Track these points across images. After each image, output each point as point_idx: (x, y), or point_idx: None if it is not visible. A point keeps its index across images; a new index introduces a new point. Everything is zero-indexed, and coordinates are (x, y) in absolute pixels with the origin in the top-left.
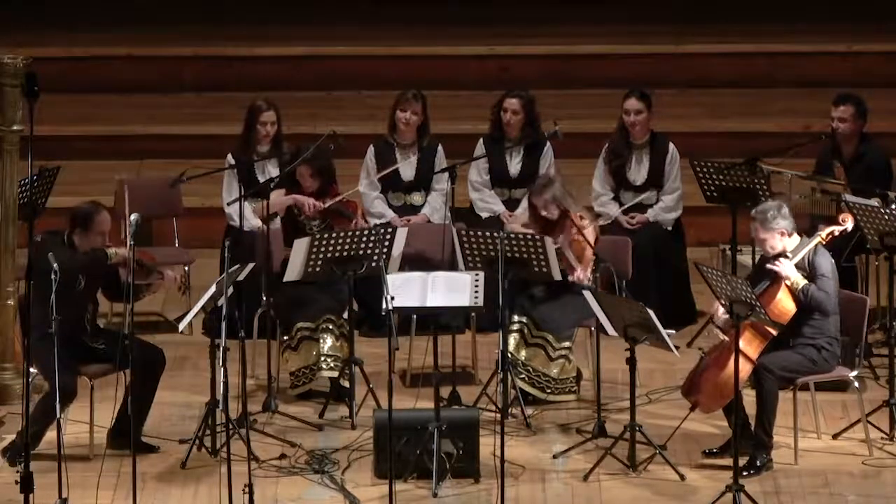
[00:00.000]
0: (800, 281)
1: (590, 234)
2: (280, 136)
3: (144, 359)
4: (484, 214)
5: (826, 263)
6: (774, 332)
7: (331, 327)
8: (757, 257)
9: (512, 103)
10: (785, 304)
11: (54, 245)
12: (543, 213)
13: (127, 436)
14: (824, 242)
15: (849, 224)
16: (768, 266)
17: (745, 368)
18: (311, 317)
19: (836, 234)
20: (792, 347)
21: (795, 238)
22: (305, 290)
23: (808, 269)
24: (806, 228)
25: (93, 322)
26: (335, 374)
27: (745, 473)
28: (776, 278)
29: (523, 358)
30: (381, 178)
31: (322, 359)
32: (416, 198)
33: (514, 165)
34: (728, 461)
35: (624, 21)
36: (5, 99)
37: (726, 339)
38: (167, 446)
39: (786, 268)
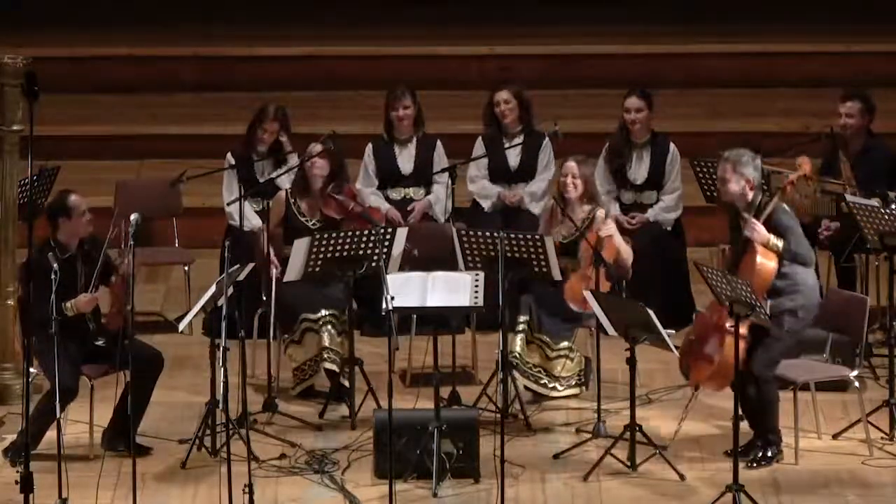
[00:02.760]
0: (777, 242)
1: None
2: (280, 146)
3: (142, 360)
4: (485, 203)
5: (788, 218)
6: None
7: (333, 321)
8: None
9: (502, 95)
10: (767, 266)
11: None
12: (569, 186)
13: (122, 436)
14: (788, 194)
15: (806, 168)
16: (746, 233)
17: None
18: (313, 309)
19: (795, 180)
20: (771, 318)
21: (752, 194)
22: (307, 289)
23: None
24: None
25: (96, 319)
26: (335, 367)
27: (754, 465)
28: (746, 245)
29: (527, 357)
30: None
31: (324, 351)
32: (417, 193)
33: (514, 158)
34: (728, 462)
35: (624, 21)
36: (5, 99)
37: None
38: (167, 446)
39: (761, 234)
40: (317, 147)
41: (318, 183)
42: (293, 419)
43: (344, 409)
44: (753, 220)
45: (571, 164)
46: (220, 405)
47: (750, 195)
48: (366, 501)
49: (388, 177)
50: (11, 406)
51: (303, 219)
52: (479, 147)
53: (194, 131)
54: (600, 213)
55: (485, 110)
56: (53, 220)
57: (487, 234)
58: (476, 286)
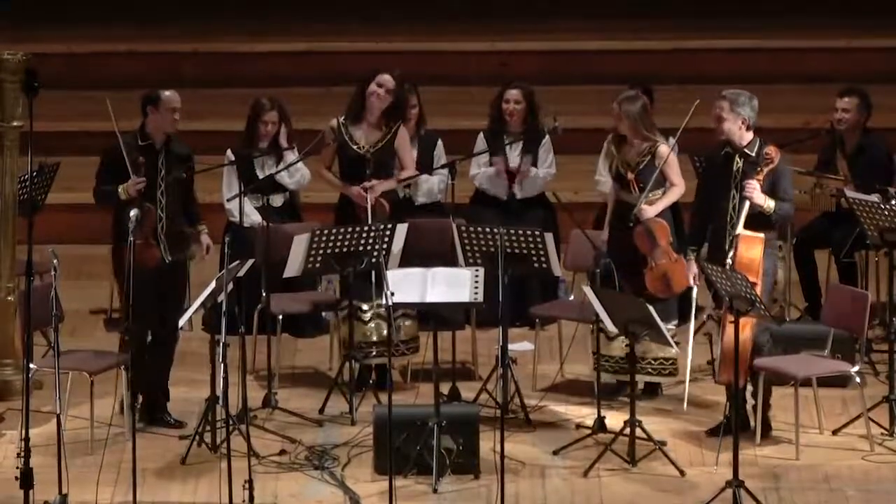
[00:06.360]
0: (770, 203)
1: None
2: (279, 135)
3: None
4: (492, 186)
5: (783, 165)
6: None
7: (382, 312)
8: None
9: (514, 94)
10: (754, 253)
11: (130, 145)
12: (617, 125)
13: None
14: (762, 180)
15: (776, 158)
16: (745, 194)
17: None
18: (365, 298)
19: (768, 171)
20: None
21: (749, 135)
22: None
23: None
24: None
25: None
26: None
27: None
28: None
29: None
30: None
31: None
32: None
33: (514, 158)
34: (728, 457)
35: (624, 17)
36: (5, 95)
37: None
38: (167, 442)
39: (757, 196)
40: (388, 78)
41: (376, 114)
42: (293, 415)
43: (344, 405)
44: (752, 182)
45: (613, 106)
46: (220, 401)
47: (746, 136)
48: (366, 497)
49: None
50: (11, 402)
51: (355, 147)
52: (480, 143)
53: (194, 127)
54: (662, 148)
55: (492, 103)
56: (143, 109)
57: (487, 229)
58: (476, 282)
